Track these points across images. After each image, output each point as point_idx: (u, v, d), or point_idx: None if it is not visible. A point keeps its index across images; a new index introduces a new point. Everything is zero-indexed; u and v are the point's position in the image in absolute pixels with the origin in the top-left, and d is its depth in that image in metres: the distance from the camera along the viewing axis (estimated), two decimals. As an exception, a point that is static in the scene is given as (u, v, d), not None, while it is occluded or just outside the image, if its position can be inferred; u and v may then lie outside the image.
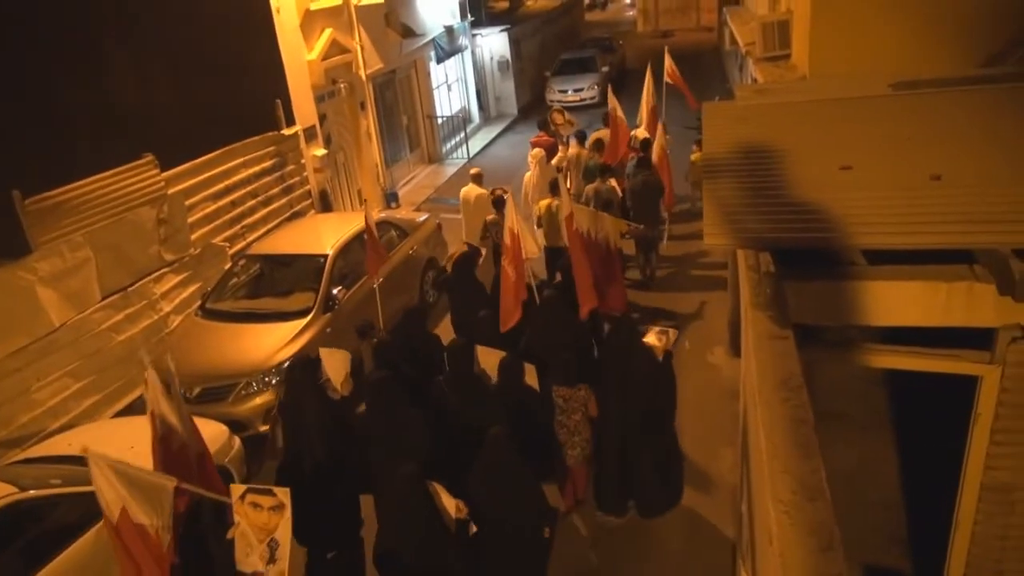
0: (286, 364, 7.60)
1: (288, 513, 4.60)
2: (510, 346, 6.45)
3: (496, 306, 7.14)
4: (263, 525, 4.60)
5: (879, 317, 3.81)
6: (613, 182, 10.08)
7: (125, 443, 6.29)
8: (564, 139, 13.06)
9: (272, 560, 4.59)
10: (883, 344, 4.03)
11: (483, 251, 9.90)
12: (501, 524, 5.05)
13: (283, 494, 4.61)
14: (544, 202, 9.72)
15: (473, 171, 11.29)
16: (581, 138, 12.02)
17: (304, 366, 5.98)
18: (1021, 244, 3.43)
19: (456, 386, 5.99)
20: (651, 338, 6.00)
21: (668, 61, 13.03)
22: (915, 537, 4.79)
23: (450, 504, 4.80)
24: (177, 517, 4.62)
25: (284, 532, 4.59)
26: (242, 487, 4.68)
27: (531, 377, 6.03)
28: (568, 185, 10.61)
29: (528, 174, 11.64)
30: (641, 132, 11.79)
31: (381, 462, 5.37)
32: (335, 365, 6.17)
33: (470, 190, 10.82)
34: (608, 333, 6.24)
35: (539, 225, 9.86)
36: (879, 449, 4.73)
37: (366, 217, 8.47)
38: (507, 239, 7.03)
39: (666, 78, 12.96)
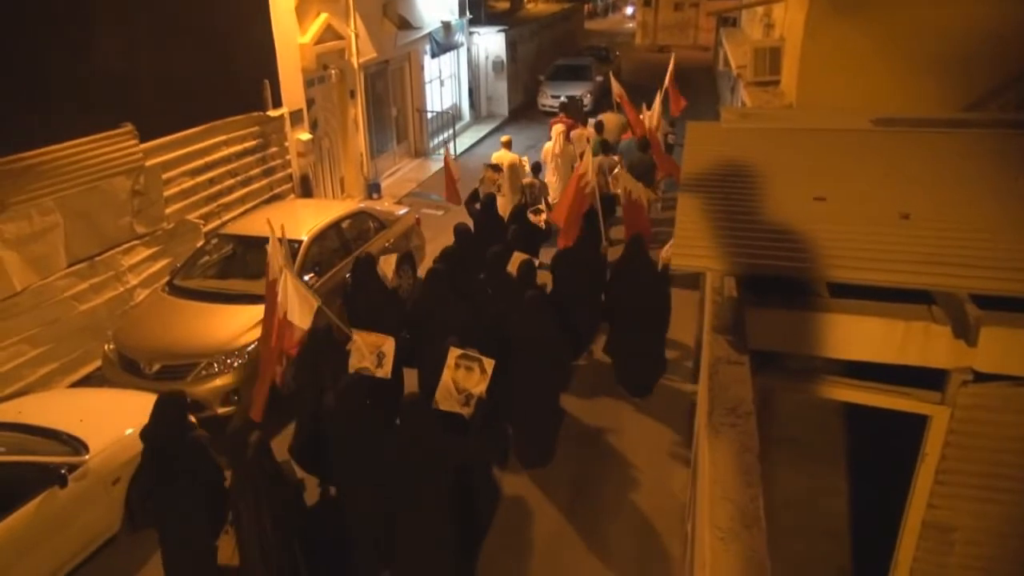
0: (250, 347, 7.54)
1: (391, 339, 6.45)
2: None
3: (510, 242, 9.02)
4: (372, 342, 6.41)
5: (837, 350, 3.84)
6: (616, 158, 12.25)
7: (76, 415, 6.22)
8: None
9: (380, 365, 6.38)
10: (842, 376, 4.06)
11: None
12: (535, 351, 6.71)
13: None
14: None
15: (503, 139, 12.79)
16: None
17: (368, 262, 7.98)
18: (978, 289, 3.47)
19: (492, 282, 7.79)
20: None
21: (669, 76, 14.42)
22: (858, 568, 4.83)
23: (488, 362, 6.13)
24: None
25: (389, 348, 6.41)
26: None
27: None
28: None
29: (549, 144, 13.04)
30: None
31: (430, 336, 6.88)
32: (386, 264, 8.63)
33: (503, 155, 12.24)
34: (626, 246, 8.23)
35: None
36: (831, 478, 4.77)
37: (446, 158, 11.75)
38: (582, 177, 9.16)
39: (666, 83, 14.27)
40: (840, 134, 6.21)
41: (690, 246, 4.19)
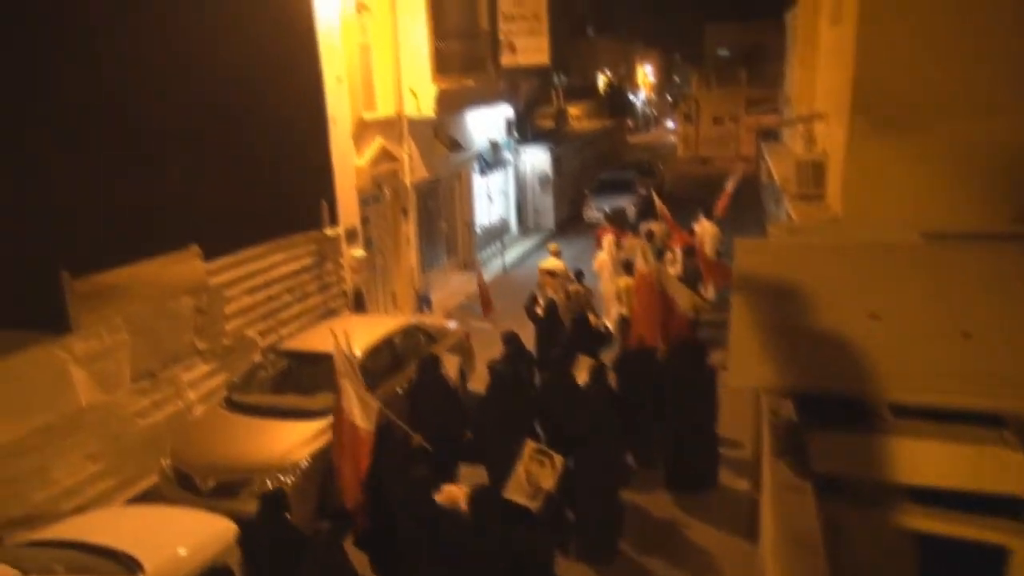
0: (303, 463, 7.58)
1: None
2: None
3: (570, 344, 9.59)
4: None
5: (905, 475, 3.73)
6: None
7: (131, 533, 6.27)
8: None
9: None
10: (914, 501, 3.91)
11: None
12: (601, 452, 7.09)
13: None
14: (623, 282, 11.98)
15: (552, 247, 13.64)
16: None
17: (434, 361, 8.48)
18: (1050, 413, 3.37)
19: (557, 384, 8.19)
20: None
21: (733, 181, 16.56)
22: None
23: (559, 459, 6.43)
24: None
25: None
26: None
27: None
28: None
29: (601, 254, 13.71)
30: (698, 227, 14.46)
31: (492, 435, 7.57)
32: (450, 363, 9.33)
33: (552, 262, 13.05)
34: (674, 350, 8.80)
35: (619, 299, 12.20)
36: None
37: (478, 272, 13.45)
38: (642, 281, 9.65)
39: (727, 188, 16.29)
40: (890, 248, 6.21)
41: (745, 365, 4.18)
